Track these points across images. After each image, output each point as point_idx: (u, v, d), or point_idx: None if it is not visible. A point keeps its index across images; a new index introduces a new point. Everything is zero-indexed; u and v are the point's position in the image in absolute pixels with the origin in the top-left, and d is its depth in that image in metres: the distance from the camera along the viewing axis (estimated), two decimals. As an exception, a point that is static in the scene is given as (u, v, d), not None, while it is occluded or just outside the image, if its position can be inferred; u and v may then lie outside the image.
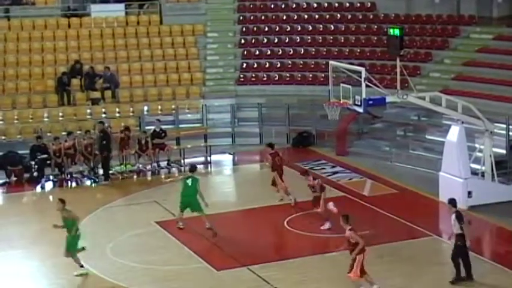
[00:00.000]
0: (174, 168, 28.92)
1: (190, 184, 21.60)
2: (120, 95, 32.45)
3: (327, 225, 21.21)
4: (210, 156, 29.50)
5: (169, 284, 18.49)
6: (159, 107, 31.95)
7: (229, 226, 22.29)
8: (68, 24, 35.16)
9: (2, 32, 34.00)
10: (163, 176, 28.32)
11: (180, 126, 31.46)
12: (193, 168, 22.69)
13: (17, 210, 24.97)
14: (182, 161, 29.16)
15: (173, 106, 32.25)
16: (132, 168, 28.30)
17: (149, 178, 28.05)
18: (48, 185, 27.07)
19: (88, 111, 31.68)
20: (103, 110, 31.83)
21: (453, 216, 17.59)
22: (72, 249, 18.96)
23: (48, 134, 28.94)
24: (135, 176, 28.13)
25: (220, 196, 25.54)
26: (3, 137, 30.16)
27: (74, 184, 27.46)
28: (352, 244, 16.56)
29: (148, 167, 28.37)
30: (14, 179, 27.77)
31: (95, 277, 18.93)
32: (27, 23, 34.66)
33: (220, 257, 19.71)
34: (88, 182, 27.64)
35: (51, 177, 27.34)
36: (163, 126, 29.24)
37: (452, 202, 18.05)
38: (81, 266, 18.94)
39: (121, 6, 36.23)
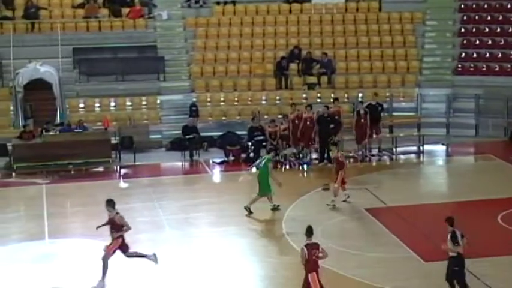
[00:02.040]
0: (385, 156, 28.94)
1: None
2: (335, 80, 32.91)
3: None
4: (422, 146, 29.17)
5: (375, 270, 18.44)
6: (375, 93, 31.68)
7: (439, 217, 21.93)
8: (289, 10, 35.95)
9: (227, 17, 35.32)
10: (374, 164, 28.44)
11: (394, 114, 31.43)
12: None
13: (233, 189, 25.82)
14: (394, 149, 29.07)
15: (388, 94, 32.23)
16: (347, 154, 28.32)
17: (360, 165, 28.12)
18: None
19: (304, 95, 32.44)
20: (318, 94, 32.45)
21: (448, 236, 16.10)
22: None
23: (265, 117, 29.78)
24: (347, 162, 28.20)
25: (431, 186, 25.39)
26: (223, 118, 31.60)
27: (287, 167, 28.13)
28: None
29: (360, 153, 28.43)
30: (232, 158, 28.94)
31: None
32: (251, 8, 35.85)
33: (428, 248, 19.36)
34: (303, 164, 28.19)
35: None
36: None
37: (448, 220, 16.40)
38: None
39: None
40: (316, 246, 15.24)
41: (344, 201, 22.68)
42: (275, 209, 22.10)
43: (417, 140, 29.69)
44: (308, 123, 27.66)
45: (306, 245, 15.23)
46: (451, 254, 16.06)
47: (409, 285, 17.65)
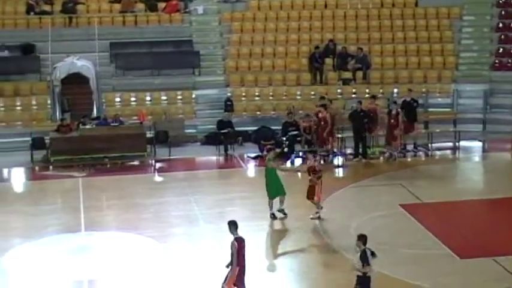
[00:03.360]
0: (420, 152, 28.74)
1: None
2: (371, 76, 32.80)
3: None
4: (458, 142, 28.91)
5: (411, 267, 18.35)
6: (411, 89, 31.30)
7: (475, 214, 21.81)
8: (324, 5, 35.90)
9: (263, 12, 35.41)
10: (409, 159, 28.24)
11: (429, 109, 31.22)
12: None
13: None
14: (430, 145, 28.85)
15: (423, 89, 32.04)
16: (381, 149, 28.29)
17: (396, 160, 27.92)
18: (298, 161, 27.82)
19: (339, 90, 32.35)
20: (353, 90, 32.36)
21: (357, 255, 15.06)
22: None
23: (300, 112, 29.69)
24: (381, 157, 28.13)
25: (467, 183, 25.22)
26: (258, 112, 31.64)
27: (321, 162, 28.01)
28: None
29: (387, 154, 28.02)
30: (266, 153, 28.84)
31: (339, 254, 19.21)
32: (286, 3, 35.92)
33: (464, 245, 19.30)
34: (335, 160, 28.03)
35: (300, 153, 28.09)
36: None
37: (361, 239, 15.16)
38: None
39: None
40: None
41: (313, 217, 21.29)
42: (281, 212, 21.37)
43: (453, 136, 29.38)
44: (322, 123, 27.55)
45: None
46: (358, 273, 14.88)
47: (445, 282, 17.48)
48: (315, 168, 21.37)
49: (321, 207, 21.31)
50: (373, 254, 15.03)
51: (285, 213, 21.33)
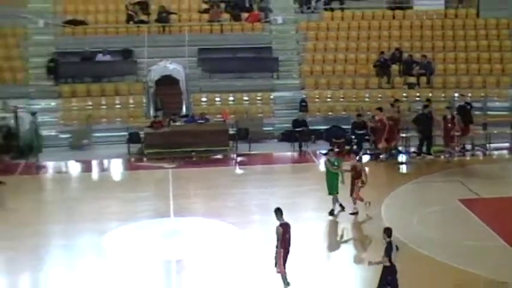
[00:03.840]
0: (478, 152, 28.53)
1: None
2: (434, 81, 32.55)
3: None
4: (515, 143, 28.66)
5: (471, 257, 18.10)
6: (469, 94, 31.34)
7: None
8: (392, 16, 35.73)
9: (335, 22, 35.34)
10: (468, 158, 28.05)
11: (488, 112, 30.81)
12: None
13: None
14: (488, 146, 28.60)
15: (482, 94, 31.72)
16: (440, 148, 28.05)
17: (455, 159, 27.72)
18: (365, 158, 27.67)
19: (404, 94, 32.09)
20: (417, 94, 32.08)
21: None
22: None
23: (368, 113, 29.68)
24: (441, 157, 27.82)
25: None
26: (330, 113, 31.68)
27: (361, 160, 27.84)
28: None
29: (447, 155, 27.64)
30: (337, 150, 28.88)
31: (405, 245, 18.75)
32: (357, 14, 35.79)
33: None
34: (399, 158, 28.01)
35: (368, 151, 28.14)
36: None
37: (386, 231, 14.90)
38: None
39: (441, 0, 36.11)
40: None
41: (352, 213, 20.95)
42: (331, 213, 20.94)
43: (510, 137, 29.15)
44: (379, 124, 27.46)
45: None
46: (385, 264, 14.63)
47: (502, 272, 17.15)
48: (355, 167, 21.05)
49: (367, 203, 20.80)
50: (397, 247, 14.74)
51: (342, 207, 20.97)
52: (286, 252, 15.71)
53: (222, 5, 35.41)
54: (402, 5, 36.59)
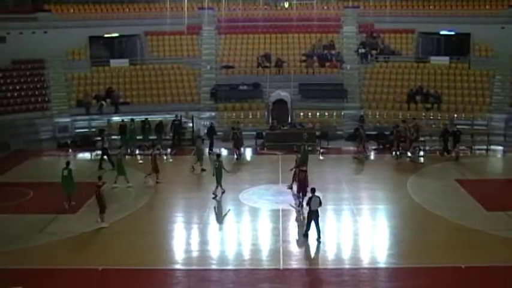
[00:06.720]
0: (467, 151, 26.36)
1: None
2: (441, 107, 30.92)
3: None
4: None
5: (458, 216, 17.28)
6: (463, 115, 30.08)
7: None
8: (417, 66, 33.77)
9: (382, 69, 33.58)
10: (461, 155, 25.59)
11: (474, 127, 28.50)
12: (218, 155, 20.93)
13: (382, 168, 24.31)
14: (473, 147, 26.62)
15: (471, 116, 29.80)
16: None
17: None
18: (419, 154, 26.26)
19: (423, 114, 30.21)
20: (431, 114, 30.15)
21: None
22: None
23: (400, 124, 26.88)
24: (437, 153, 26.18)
25: None
26: (377, 124, 30.22)
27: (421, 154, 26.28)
28: None
29: None
30: (380, 147, 28.50)
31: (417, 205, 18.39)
32: (395, 64, 34.08)
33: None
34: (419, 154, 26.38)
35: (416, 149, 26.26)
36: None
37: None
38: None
39: (447, 57, 33.46)
40: None
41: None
42: None
43: (486, 142, 27.04)
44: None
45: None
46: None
47: (480, 224, 16.55)
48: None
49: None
50: (320, 203, 14.31)
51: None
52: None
53: (315, 57, 34.65)
54: (423, 59, 35.26)
